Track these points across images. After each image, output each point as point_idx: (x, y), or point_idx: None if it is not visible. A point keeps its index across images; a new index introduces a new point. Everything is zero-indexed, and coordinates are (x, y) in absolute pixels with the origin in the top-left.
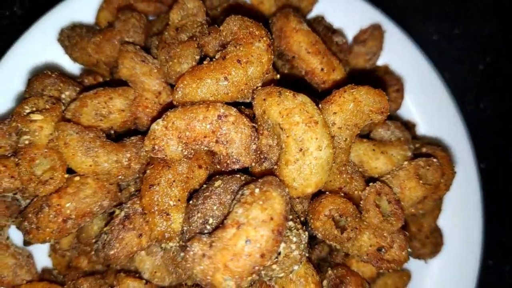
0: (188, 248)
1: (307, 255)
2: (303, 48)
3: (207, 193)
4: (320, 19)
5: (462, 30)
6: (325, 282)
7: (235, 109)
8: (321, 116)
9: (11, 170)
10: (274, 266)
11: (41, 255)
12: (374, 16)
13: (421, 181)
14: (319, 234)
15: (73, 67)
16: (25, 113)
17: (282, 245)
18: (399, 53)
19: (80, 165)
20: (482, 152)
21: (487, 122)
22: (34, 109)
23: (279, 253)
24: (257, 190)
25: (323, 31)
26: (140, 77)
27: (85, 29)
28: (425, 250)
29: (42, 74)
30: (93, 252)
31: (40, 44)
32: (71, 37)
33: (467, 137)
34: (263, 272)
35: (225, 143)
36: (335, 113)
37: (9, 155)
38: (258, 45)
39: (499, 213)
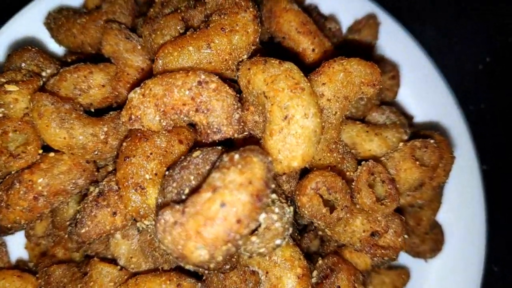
0: (159, 217)
1: (290, 230)
2: (293, 27)
3: (185, 163)
4: (313, 7)
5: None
6: (315, 273)
7: (216, 77)
8: (308, 84)
9: None
10: (253, 238)
11: (18, 247)
12: (369, 7)
13: (417, 163)
14: (306, 212)
15: (59, 51)
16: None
17: (263, 215)
18: (394, 43)
19: (54, 138)
20: (484, 154)
21: (488, 123)
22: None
23: (259, 225)
24: (236, 156)
25: (316, 16)
26: (123, 53)
27: (72, 12)
28: (424, 247)
29: (21, 49)
30: (67, 236)
31: (26, 28)
32: (57, 19)
33: (467, 128)
34: (242, 248)
35: (205, 111)
36: (324, 84)
37: None
38: (244, 15)
39: (504, 216)
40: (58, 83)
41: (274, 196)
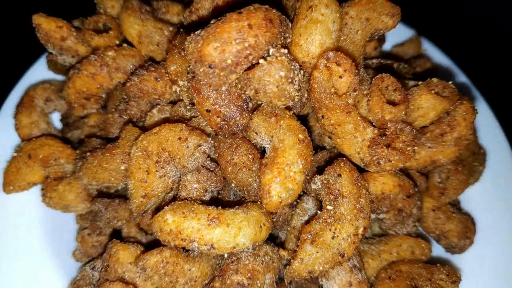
0: (188, 37)
1: (296, 74)
2: None
3: None
4: None
5: None
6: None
7: None
8: None
9: (76, 34)
10: (261, 61)
11: None
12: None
13: (433, 92)
14: (315, 86)
15: None
16: None
17: (272, 49)
18: None
19: (132, 25)
20: None
21: None
22: None
23: (268, 53)
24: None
25: None
26: None
27: None
28: (451, 226)
29: None
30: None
31: None
32: None
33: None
34: (250, 79)
35: None
36: (348, 6)
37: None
38: None
39: None
40: None
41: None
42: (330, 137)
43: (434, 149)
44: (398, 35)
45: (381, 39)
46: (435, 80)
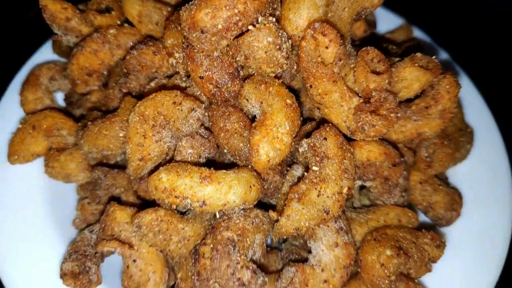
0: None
1: (285, 47)
2: None
3: None
4: None
5: None
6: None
7: None
8: None
9: (80, 15)
10: (251, 27)
11: None
12: None
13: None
14: (302, 55)
15: None
16: None
17: (260, 17)
18: None
19: (132, 6)
20: None
21: None
22: None
23: (257, 21)
24: None
25: None
26: None
27: None
28: (437, 198)
29: None
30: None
31: None
32: None
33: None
34: (241, 44)
35: None
36: None
37: None
38: None
39: None
40: None
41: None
42: (318, 108)
43: (420, 121)
44: (389, 23)
45: (372, 24)
46: (419, 54)
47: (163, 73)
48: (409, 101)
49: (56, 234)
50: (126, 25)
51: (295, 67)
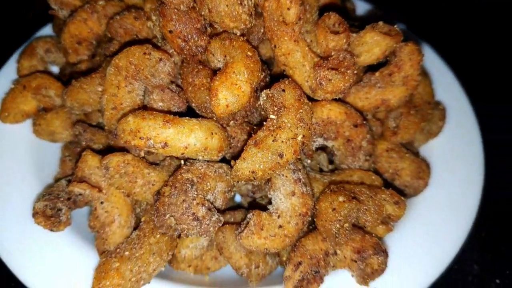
0: None
1: (246, 3)
2: None
3: None
4: None
5: None
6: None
7: None
8: None
9: None
10: None
11: None
12: None
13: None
14: (265, 15)
15: None
16: None
17: None
18: None
19: None
20: None
21: None
22: None
23: None
24: None
25: None
26: None
27: None
28: (403, 165)
29: None
30: None
31: None
32: None
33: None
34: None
35: None
36: None
37: None
38: None
39: None
40: None
41: None
42: (284, 70)
43: (384, 88)
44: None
45: (351, 12)
46: (381, 23)
47: (143, 37)
48: (374, 70)
49: (39, 186)
50: None
51: (262, 30)
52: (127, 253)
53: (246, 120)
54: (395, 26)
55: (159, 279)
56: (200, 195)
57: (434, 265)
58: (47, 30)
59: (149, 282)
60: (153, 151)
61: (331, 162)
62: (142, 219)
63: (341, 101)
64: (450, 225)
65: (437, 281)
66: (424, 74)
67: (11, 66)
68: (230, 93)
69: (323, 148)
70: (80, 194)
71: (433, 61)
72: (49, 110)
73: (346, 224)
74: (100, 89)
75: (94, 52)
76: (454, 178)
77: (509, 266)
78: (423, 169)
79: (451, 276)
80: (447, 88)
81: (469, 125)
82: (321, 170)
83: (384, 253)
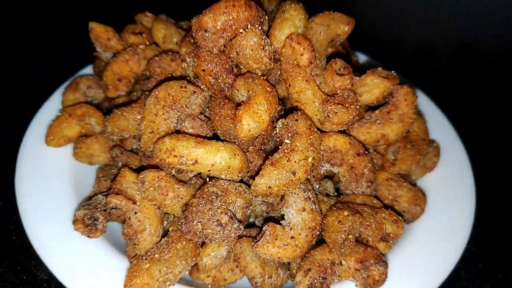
0: None
1: (267, 49)
2: None
3: None
4: None
5: None
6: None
7: None
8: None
9: (118, 37)
10: (241, 30)
11: None
12: None
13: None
14: (282, 59)
15: None
16: None
17: (249, 25)
18: None
19: None
20: None
21: None
22: None
23: (247, 27)
24: None
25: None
26: None
27: None
28: (401, 192)
29: None
30: None
31: None
32: None
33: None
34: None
35: None
36: (315, 16)
37: None
38: None
39: None
40: None
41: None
42: (296, 106)
43: (383, 124)
44: None
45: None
46: (380, 68)
47: (177, 75)
48: (375, 110)
49: (76, 201)
50: (153, 45)
51: (278, 72)
52: (156, 255)
53: (263, 147)
54: (392, 71)
55: (181, 285)
56: (223, 206)
57: (429, 281)
58: (88, 70)
59: (174, 284)
60: (185, 168)
61: (337, 190)
62: (170, 228)
63: (346, 134)
64: (444, 246)
65: None
66: (419, 114)
67: (56, 97)
68: (252, 120)
69: (330, 177)
70: (115, 208)
71: (426, 104)
72: (89, 136)
73: (351, 236)
74: (139, 117)
75: (132, 89)
76: (448, 206)
77: None
78: (420, 197)
79: None
80: (441, 128)
81: (461, 161)
82: (327, 196)
83: (385, 263)
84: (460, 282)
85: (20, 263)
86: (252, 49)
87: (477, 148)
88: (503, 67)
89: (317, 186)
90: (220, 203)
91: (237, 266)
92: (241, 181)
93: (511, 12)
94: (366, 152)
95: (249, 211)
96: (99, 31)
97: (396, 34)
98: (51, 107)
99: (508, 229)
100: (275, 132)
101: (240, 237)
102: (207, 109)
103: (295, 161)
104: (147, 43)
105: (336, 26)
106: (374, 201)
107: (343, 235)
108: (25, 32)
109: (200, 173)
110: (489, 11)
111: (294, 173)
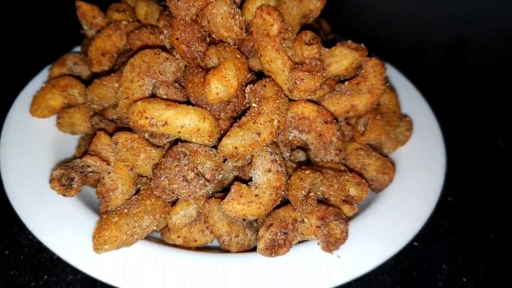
0: None
1: (237, 17)
2: None
3: None
4: None
5: None
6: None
7: None
8: None
9: (103, 15)
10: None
11: None
12: None
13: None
14: (253, 29)
15: None
16: None
17: None
18: None
19: None
20: None
21: None
22: None
23: None
24: None
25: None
26: None
27: None
28: (370, 161)
29: None
30: None
31: None
32: None
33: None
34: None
35: None
36: None
37: None
38: None
39: None
40: None
41: None
42: (268, 76)
43: (352, 95)
44: None
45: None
46: (349, 41)
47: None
48: (342, 81)
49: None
50: (136, 22)
51: (251, 44)
52: (125, 210)
53: (235, 115)
54: (361, 44)
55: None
56: (190, 164)
57: (395, 241)
58: (78, 50)
59: (141, 238)
60: (155, 129)
61: (308, 161)
62: (141, 188)
63: (315, 103)
64: (411, 210)
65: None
66: (391, 88)
67: (44, 73)
68: (220, 83)
69: (303, 149)
70: (92, 172)
71: (401, 81)
72: (72, 107)
73: (312, 194)
74: (117, 85)
75: (115, 64)
76: (417, 176)
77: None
78: (388, 166)
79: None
80: (414, 103)
81: (433, 135)
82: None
83: (345, 221)
84: (433, 254)
85: (3, 230)
86: (222, 18)
87: (472, 145)
88: (499, 64)
89: (288, 154)
90: (187, 162)
91: (207, 228)
92: (214, 147)
93: (507, 8)
94: (335, 120)
95: (220, 175)
96: (85, 9)
97: (392, 31)
98: (40, 81)
99: (481, 205)
100: (246, 100)
101: (210, 198)
102: (183, 79)
103: (261, 123)
104: (130, 20)
105: (309, 1)
106: (342, 168)
107: (303, 192)
108: (19, 18)
109: (175, 141)
110: (484, 8)
111: (259, 134)
